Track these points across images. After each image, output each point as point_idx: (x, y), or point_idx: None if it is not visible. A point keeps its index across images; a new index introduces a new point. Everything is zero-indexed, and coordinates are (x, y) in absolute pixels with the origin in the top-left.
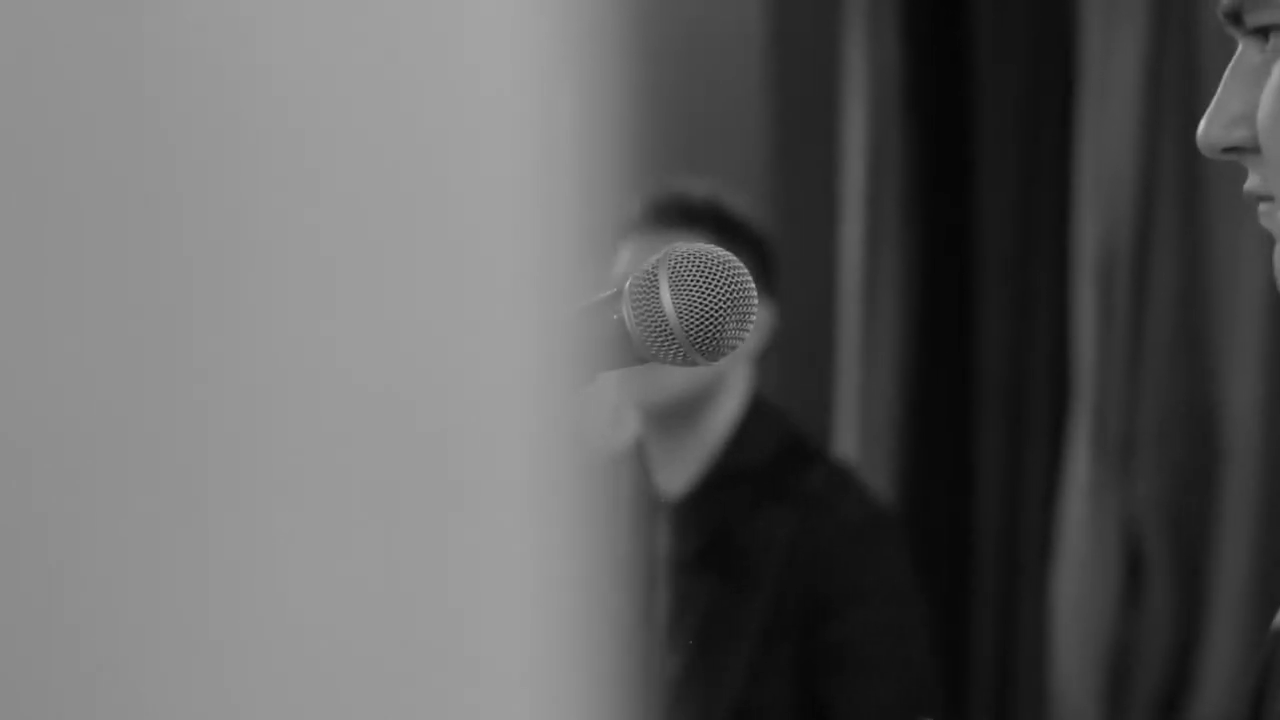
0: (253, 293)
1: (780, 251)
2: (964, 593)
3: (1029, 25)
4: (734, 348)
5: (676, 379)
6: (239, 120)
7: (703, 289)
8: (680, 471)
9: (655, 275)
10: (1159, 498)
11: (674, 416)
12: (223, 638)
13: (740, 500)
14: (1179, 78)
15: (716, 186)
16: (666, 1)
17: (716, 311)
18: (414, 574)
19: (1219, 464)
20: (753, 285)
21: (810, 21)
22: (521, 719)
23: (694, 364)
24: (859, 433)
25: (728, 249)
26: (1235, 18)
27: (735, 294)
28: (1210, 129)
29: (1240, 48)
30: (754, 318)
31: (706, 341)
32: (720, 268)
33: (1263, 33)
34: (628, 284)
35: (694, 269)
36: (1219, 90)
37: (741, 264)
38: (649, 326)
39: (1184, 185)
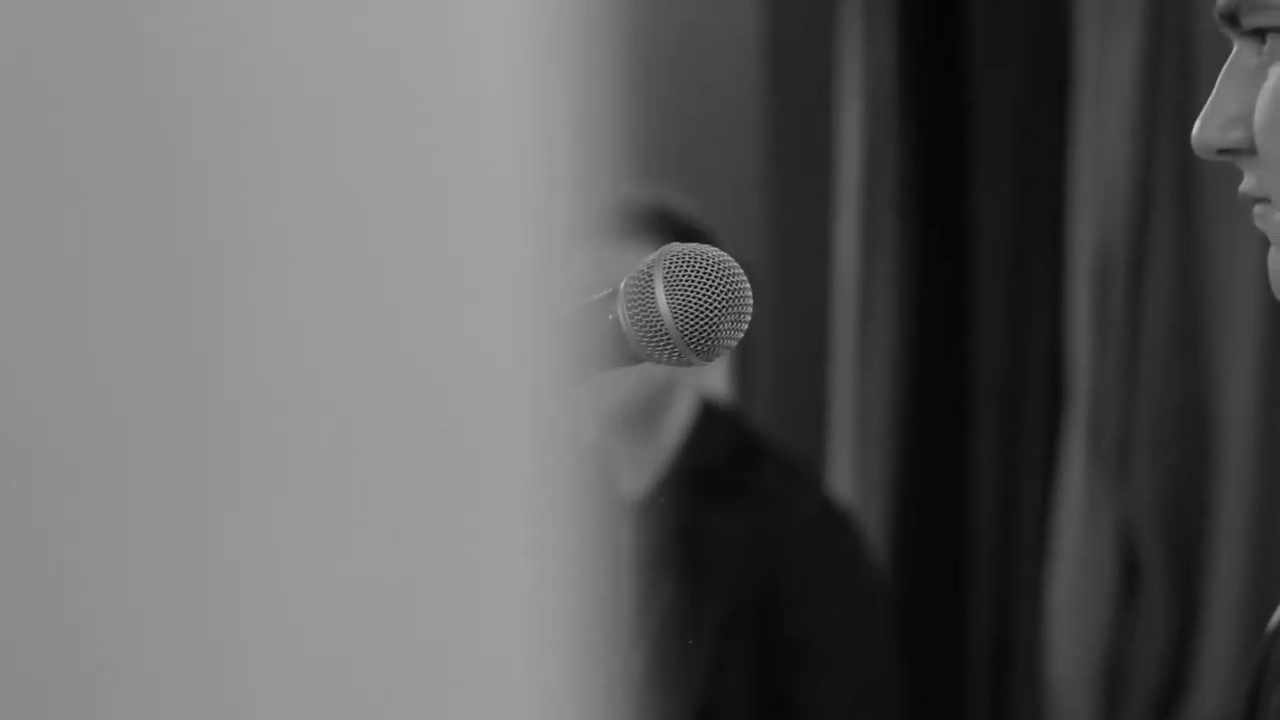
0: (250, 292)
1: (775, 253)
2: (959, 594)
3: (1024, 27)
4: (729, 348)
5: (634, 383)
6: (238, 119)
7: (698, 289)
8: (640, 473)
9: (650, 275)
10: (1154, 500)
11: (633, 419)
12: (221, 637)
13: (698, 499)
14: (1174, 80)
15: (665, 192)
16: (662, 3)
17: (711, 311)
18: (412, 573)
19: (1214, 466)
20: (748, 285)
21: (805, 24)
22: (519, 717)
23: (689, 364)
24: (854, 434)
25: None
26: (1232, 19)
27: (730, 294)
28: (1205, 130)
29: (1235, 49)
30: (749, 317)
31: (701, 341)
32: (715, 268)
33: (1259, 34)
34: (623, 284)
35: (689, 269)
36: (1214, 91)
37: (737, 264)
38: (644, 326)
39: (1179, 187)
